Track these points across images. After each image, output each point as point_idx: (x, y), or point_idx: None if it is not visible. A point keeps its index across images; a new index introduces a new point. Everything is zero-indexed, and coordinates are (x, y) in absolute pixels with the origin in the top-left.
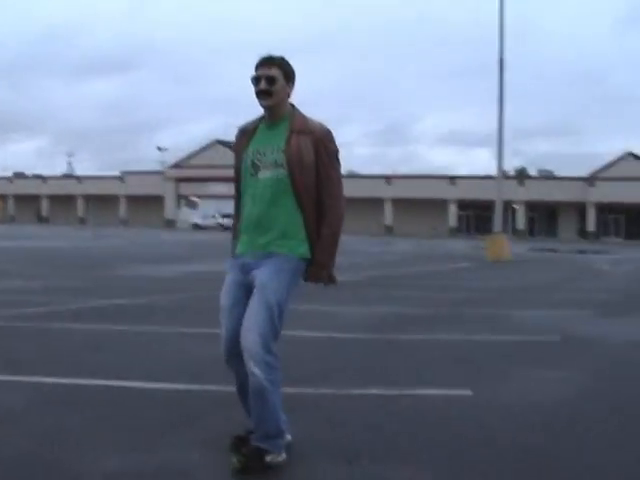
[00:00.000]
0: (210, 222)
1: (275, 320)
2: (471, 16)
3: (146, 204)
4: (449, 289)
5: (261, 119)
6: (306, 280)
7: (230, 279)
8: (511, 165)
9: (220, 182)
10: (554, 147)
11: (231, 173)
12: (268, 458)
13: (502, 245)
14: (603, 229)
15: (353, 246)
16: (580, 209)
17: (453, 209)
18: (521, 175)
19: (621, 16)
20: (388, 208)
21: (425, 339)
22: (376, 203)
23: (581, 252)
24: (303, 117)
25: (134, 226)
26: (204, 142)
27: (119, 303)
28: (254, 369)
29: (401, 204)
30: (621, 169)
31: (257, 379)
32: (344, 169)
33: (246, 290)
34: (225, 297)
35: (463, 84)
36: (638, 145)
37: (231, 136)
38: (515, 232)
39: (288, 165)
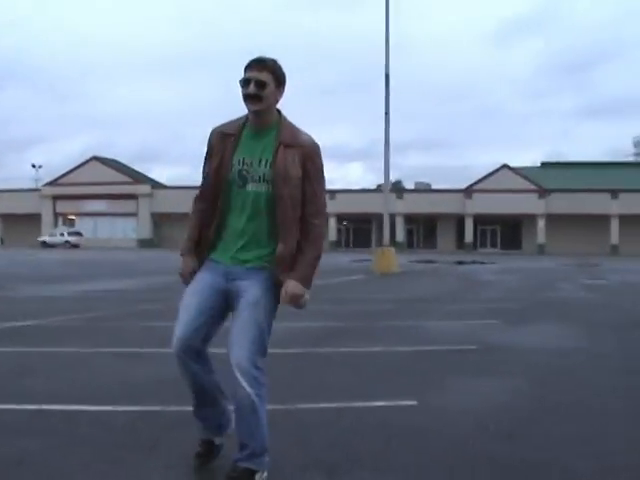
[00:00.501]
0: (57, 240)
1: (265, 338)
2: (341, 34)
3: (22, 223)
4: (353, 302)
5: (244, 123)
6: (284, 302)
7: (205, 280)
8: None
9: (98, 199)
10: (429, 160)
11: (109, 190)
12: (256, 477)
13: (390, 258)
14: (480, 240)
15: None
16: (458, 221)
17: (332, 223)
18: (398, 188)
19: (492, 33)
20: None
21: (353, 352)
22: None
23: (460, 263)
24: (292, 127)
25: (10, 245)
26: (80, 159)
27: (25, 324)
28: (244, 384)
29: None
30: (497, 181)
31: (246, 394)
32: None
33: (223, 297)
34: (195, 296)
35: (335, 100)
36: (513, 157)
37: (106, 153)
38: (394, 244)
39: (274, 181)
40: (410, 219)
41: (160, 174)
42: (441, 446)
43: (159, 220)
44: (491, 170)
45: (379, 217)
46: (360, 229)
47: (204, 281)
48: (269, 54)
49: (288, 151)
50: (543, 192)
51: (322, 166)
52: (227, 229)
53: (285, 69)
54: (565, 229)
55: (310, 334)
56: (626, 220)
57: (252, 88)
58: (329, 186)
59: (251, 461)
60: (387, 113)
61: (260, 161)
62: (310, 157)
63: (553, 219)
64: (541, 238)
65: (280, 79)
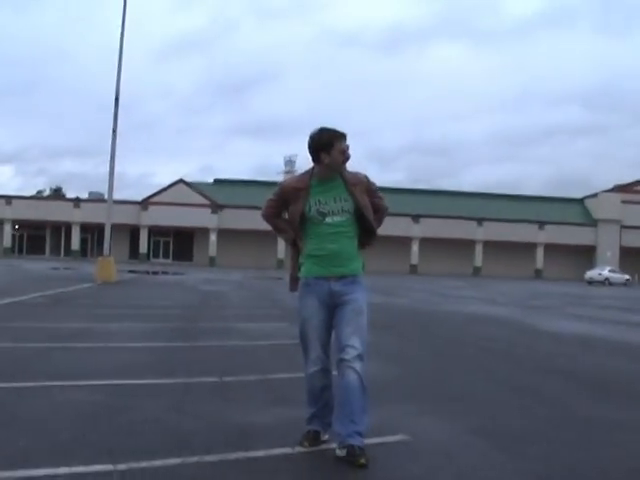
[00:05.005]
0: None
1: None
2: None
3: None
4: (137, 307)
5: (310, 177)
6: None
7: (315, 302)
8: (35, 183)
9: None
10: (84, 167)
11: None
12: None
13: (110, 267)
14: (154, 251)
15: None
16: (132, 231)
17: (8, 229)
18: (75, 198)
19: (153, 50)
20: None
21: (217, 345)
22: None
23: (155, 273)
24: (349, 171)
25: None
26: None
27: None
28: (357, 366)
29: None
30: (173, 195)
31: (359, 376)
32: None
33: (330, 311)
34: (314, 316)
35: None
36: (172, 170)
37: None
38: (70, 252)
39: (357, 210)
40: (86, 228)
41: None
42: None
43: None
44: (168, 184)
45: (53, 224)
46: (35, 236)
47: (314, 304)
48: None
49: (357, 188)
50: (216, 207)
51: (375, 184)
52: (318, 250)
53: None
54: (235, 243)
55: (168, 332)
56: None
57: (349, 154)
58: (2, 192)
59: (361, 438)
60: (115, 131)
61: (335, 199)
62: (369, 186)
63: (224, 233)
64: (212, 251)
65: None
